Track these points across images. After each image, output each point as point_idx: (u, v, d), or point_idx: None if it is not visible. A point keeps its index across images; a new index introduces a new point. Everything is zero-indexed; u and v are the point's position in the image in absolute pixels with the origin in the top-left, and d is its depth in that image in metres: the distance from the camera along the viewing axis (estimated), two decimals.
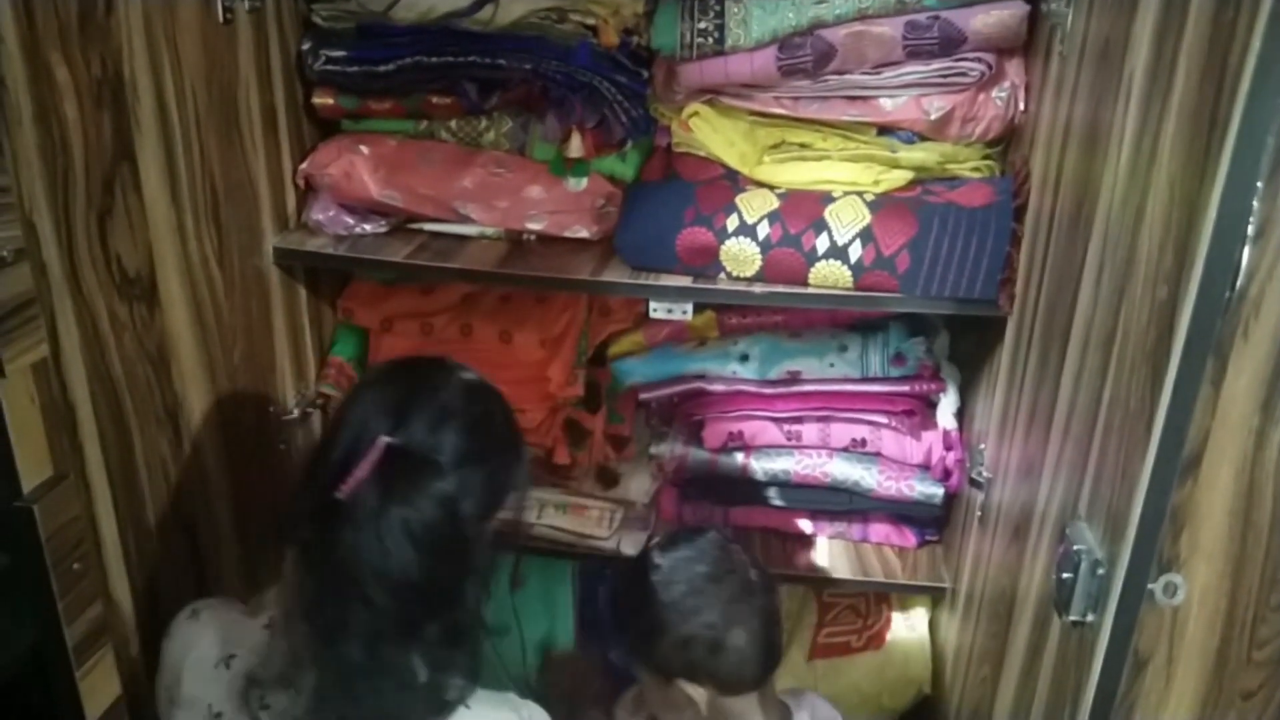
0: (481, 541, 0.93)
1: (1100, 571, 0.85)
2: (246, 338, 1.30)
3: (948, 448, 1.45)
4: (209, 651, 0.98)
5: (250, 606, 1.04)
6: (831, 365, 1.48)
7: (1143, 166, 0.84)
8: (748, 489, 1.54)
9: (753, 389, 1.50)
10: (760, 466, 1.51)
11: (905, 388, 1.47)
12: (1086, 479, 0.92)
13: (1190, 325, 0.74)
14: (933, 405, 1.49)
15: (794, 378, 1.49)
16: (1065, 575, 0.88)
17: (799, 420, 1.50)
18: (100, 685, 1.04)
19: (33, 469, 0.94)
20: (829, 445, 1.50)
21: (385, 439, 0.88)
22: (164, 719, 1.00)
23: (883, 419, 1.48)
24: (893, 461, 1.48)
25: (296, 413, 1.42)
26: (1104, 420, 0.89)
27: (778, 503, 1.55)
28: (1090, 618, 0.87)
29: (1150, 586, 0.91)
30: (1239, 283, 0.81)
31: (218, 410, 1.25)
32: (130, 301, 1.08)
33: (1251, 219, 0.75)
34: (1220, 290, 0.74)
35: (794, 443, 1.50)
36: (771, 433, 1.51)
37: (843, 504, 1.52)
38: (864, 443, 1.49)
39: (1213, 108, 0.72)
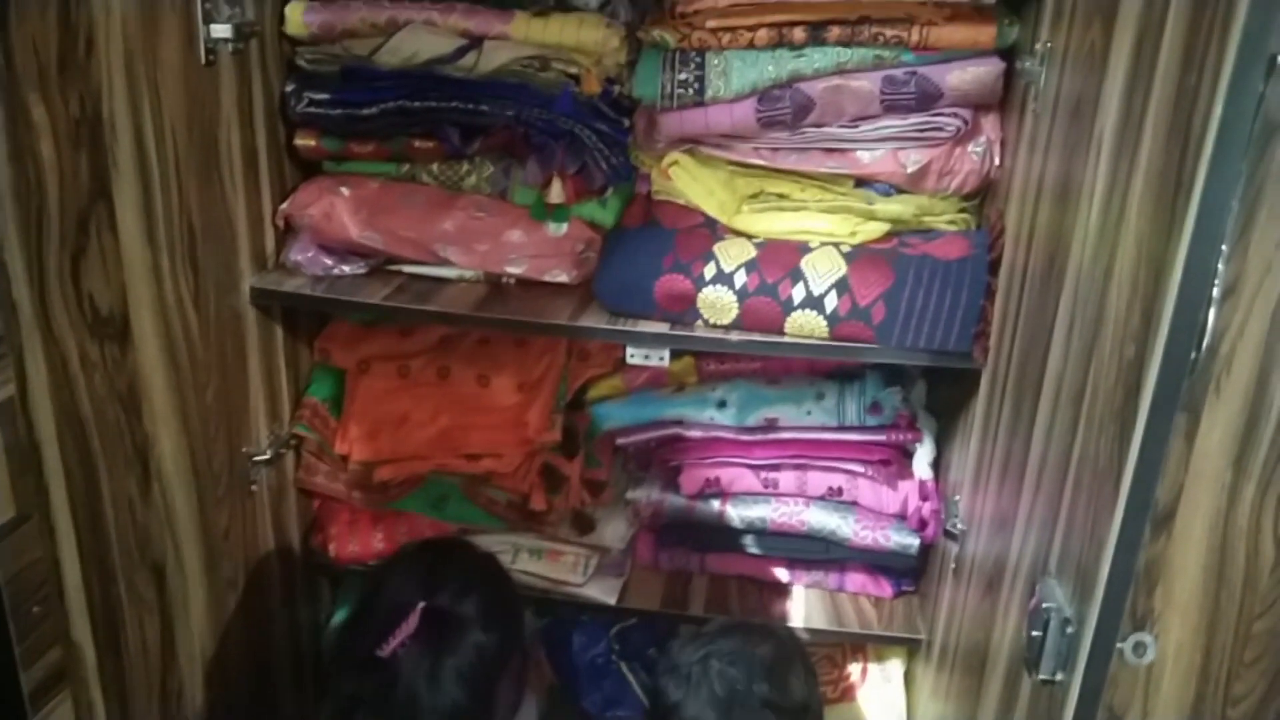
0: (507, 676, 1.19)
1: (1069, 630, 0.85)
2: (220, 377, 1.30)
3: (924, 498, 1.45)
4: None
5: None
6: (809, 413, 1.48)
7: (1111, 225, 0.85)
8: (725, 536, 1.53)
9: (730, 435, 1.50)
10: (737, 513, 1.51)
11: (881, 437, 1.47)
12: (1057, 535, 0.92)
13: (1156, 386, 0.74)
14: (909, 455, 1.49)
15: (771, 424, 1.49)
16: (1035, 633, 0.88)
17: (776, 468, 1.50)
18: None
19: None
20: (806, 493, 1.49)
21: (422, 604, 1.12)
22: None
23: (859, 468, 1.48)
24: (869, 511, 1.48)
25: (269, 453, 1.41)
26: (1074, 476, 0.89)
27: (755, 550, 1.54)
28: (1060, 676, 0.86)
29: (1119, 645, 0.91)
30: (1208, 340, 0.82)
31: (188, 450, 1.24)
32: (102, 341, 1.08)
33: (1217, 281, 0.76)
34: (1185, 351, 0.74)
35: (771, 490, 1.50)
36: (748, 480, 1.50)
37: (819, 552, 1.51)
38: (840, 491, 1.48)
39: (1178, 170, 0.73)
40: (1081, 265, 0.91)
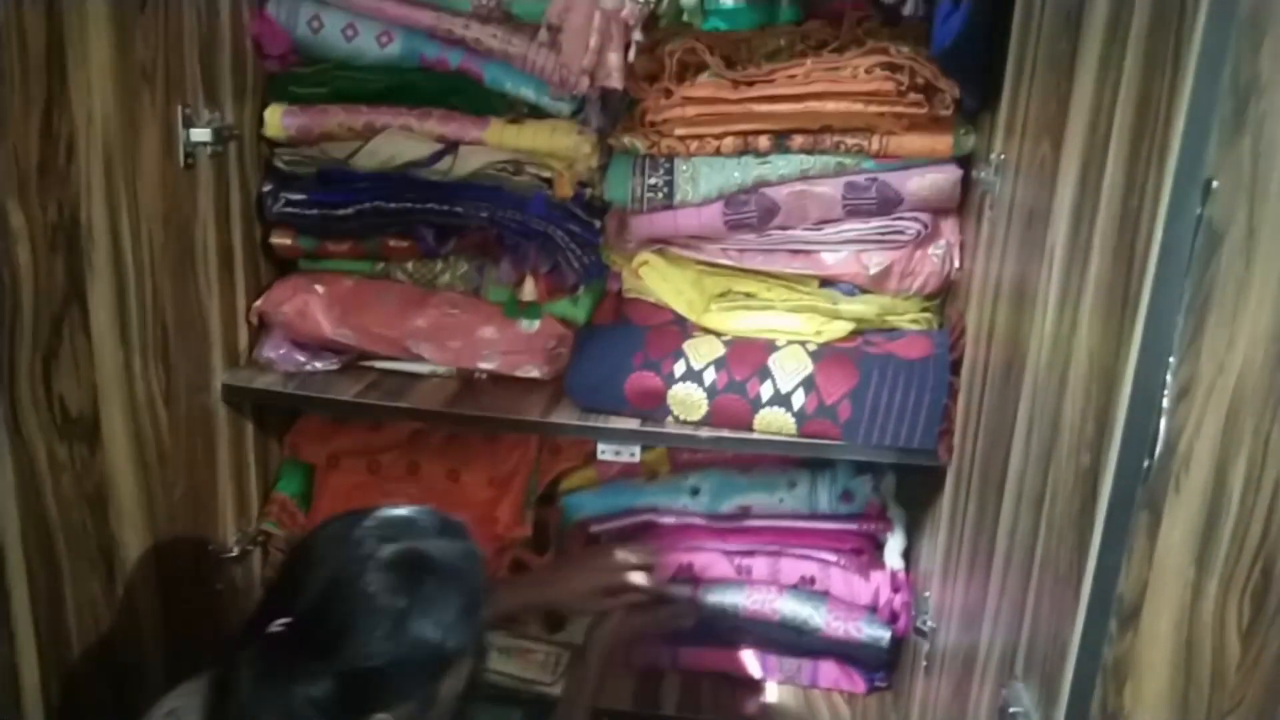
0: None
1: None
2: (189, 475, 1.29)
3: (895, 589, 1.45)
4: None
5: None
6: (781, 500, 1.49)
7: (1065, 335, 0.88)
8: (697, 625, 1.52)
9: (703, 522, 1.50)
10: (710, 600, 1.50)
11: (853, 526, 1.48)
12: (1022, 638, 0.93)
13: (1111, 495, 0.76)
14: (880, 545, 1.50)
15: (744, 512, 1.50)
16: None
17: (750, 554, 1.50)
18: None
19: None
20: (779, 581, 1.49)
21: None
22: None
23: (831, 556, 1.49)
24: (841, 602, 1.48)
25: (236, 550, 1.40)
26: (1037, 579, 0.90)
27: (727, 639, 1.53)
28: None
29: None
30: (1164, 438, 0.84)
31: (154, 550, 1.23)
32: (71, 441, 1.08)
33: (1168, 386, 0.79)
34: (1138, 461, 0.76)
35: (744, 576, 1.50)
36: (722, 566, 1.50)
37: (791, 639, 1.51)
38: (813, 580, 1.48)
39: (1125, 286, 0.76)
40: (1038, 371, 0.94)
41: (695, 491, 1.51)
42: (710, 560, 1.50)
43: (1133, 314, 0.74)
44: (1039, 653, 0.88)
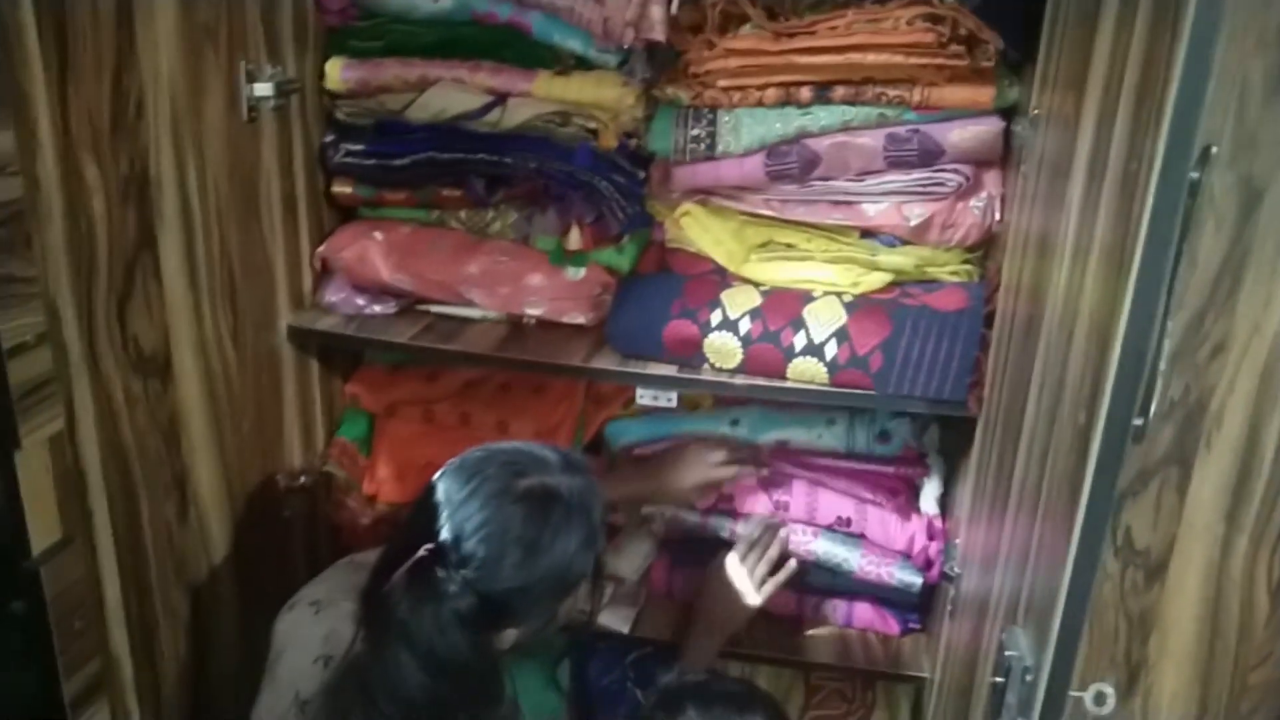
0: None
1: (1029, 678, 0.89)
2: (256, 411, 1.39)
3: (930, 537, 1.48)
4: (311, 647, 1.10)
5: None
6: (819, 436, 1.52)
7: (1074, 293, 0.89)
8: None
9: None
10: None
11: (889, 469, 1.51)
12: (1024, 587, 0.96)
13: (1100, 452, 0.78)
14: (918, 491, 1.52)
15: (782, 446, 1.54)
16: (998, 679, 0.91)
17: (788, 488, 1.53)
18: None
19: (42, 533, 1.01)
20: (815, 520, 1.52)
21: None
22: (266, 676, 1.15)
23: (868, 494, 1.51)
24: (876, 546, 1.51)
25: (303, 480, 1.49)
26: (1039, 531, 0.93)
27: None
28: None
29: (1080, 695, 0.94)
30: (1199, 397, 0.86)
31: (224, 479, 1.33)
32: (145, 378, 1.17)
33: (1164, 345, 0.80)
34: (1127, 419, 0.78)
35: (781, 514, 1.54)
36: (760, 500, 1.54)
37: (825, 581, 1.55)
38: (849, 522, 1.51)
39: (1121, 247, 0.77)
40: (1052, 327, 0.95)
41: (735, 423, 1.54)
42: (749, 493, 1.54)
43: (1127, 274, 0.75)
44: (1036, 601, 0.91)
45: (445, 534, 1.02)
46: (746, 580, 1.44)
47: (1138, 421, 0.84)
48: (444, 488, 1.05)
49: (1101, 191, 0.84)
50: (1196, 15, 0.67)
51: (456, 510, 1.02)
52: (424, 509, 1.05)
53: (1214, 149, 0.77)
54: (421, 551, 1.01)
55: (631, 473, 1.54)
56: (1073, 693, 0.91)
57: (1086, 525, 0.79)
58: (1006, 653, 0.91)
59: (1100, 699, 0.95)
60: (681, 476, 1.47)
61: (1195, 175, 0.75)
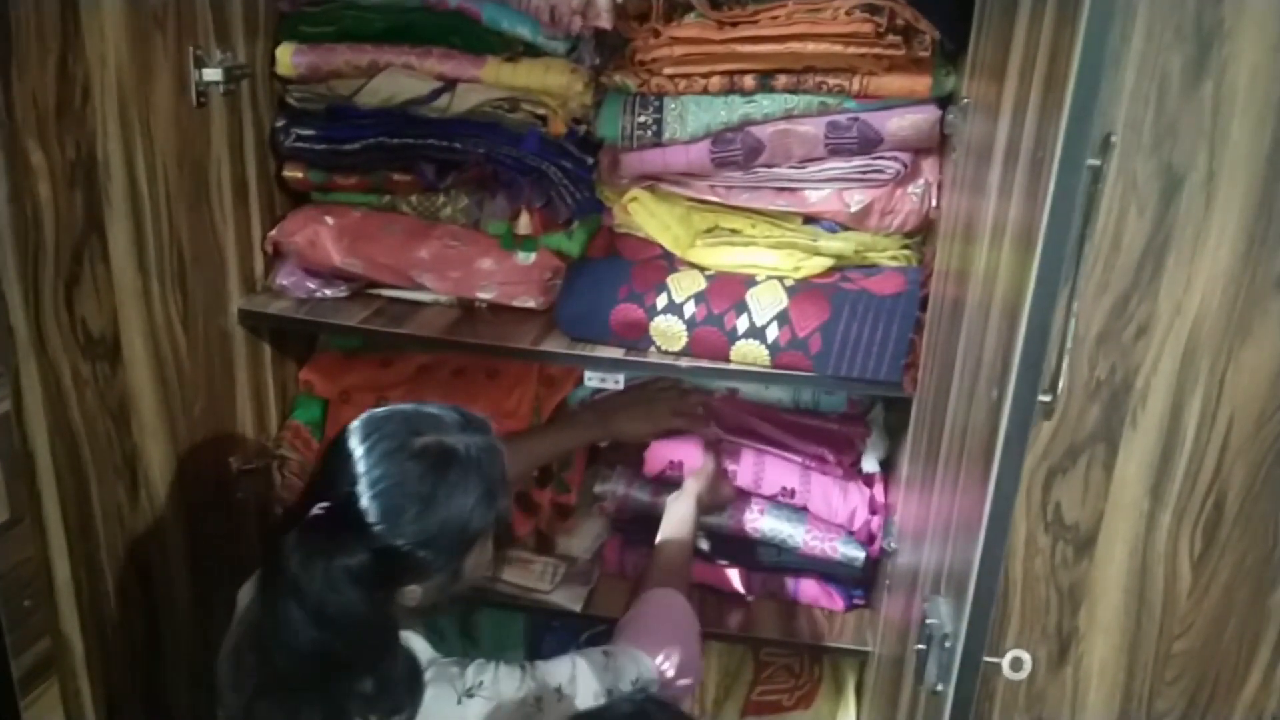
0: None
1: (948, 644, 0.92)
2: (208, 393, 1.40)
3: (873, 511, 1.52)
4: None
5: None
6: (766, 387, 1.58)
7: (991, 275, 0.92)
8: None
9: None
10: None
11: (834, 426, 1.55)
12: (946, 558, 1.00)
13: (1007, 427, 0.81)
14: (859, 470, 1.56)
15: (732, 394, 1.59)
16: (919, 646, 0.95)
17: (736, 456, 1.57)
18: (44, 715, 1.12)
19: None
20: (761, 491, 1.56)
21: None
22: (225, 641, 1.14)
23: (812, 449, 1.54)
24: (820, 521, 1.55)
25: (255, 464, 1.51)
26: (958, 505, 0.97)
27: (709, 553, 1.60)
28: (940, 688, 0.93)
29: (998, 660, 0.98)
30: (1123, 376, 0.90)
31: (176, 461, 1.35)
32: (93, 361, 1.18)
33: (1072, 325, 0.85)
34: (1032, 395, 0.81)
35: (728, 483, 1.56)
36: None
37: (771, 558, 1.58)
38: (793, 493, 1.55)
39: (1028, 230, 0.80)
40: (973, 308, 0.99)
41: None
42: (697, 456, 1.56)
43: (1032, 257, 0.78)
44: (955, 571, 0.95)
45: (344, 489, 1.02)
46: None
47: (1045, 398, 0.88)
48: (346, 445, 1.05)
49: (1014, 177, 0.87)
50: (1092, 7, 0.70)
51: (355, 466, 1.03)
52: (327, 466, 1.06)
53: (1114, 137, 0.81)
54: (316, 509, 1.02)
55: (590, 417, 1.58)
56: (989, 659, 0.95)
57: (997, 495, 0.82)
58: (928, 621, 0.95)
59: (1017, 664, 0.99)
60: (639, 417, 1.54)
61: (1095, 162, 0.78)
